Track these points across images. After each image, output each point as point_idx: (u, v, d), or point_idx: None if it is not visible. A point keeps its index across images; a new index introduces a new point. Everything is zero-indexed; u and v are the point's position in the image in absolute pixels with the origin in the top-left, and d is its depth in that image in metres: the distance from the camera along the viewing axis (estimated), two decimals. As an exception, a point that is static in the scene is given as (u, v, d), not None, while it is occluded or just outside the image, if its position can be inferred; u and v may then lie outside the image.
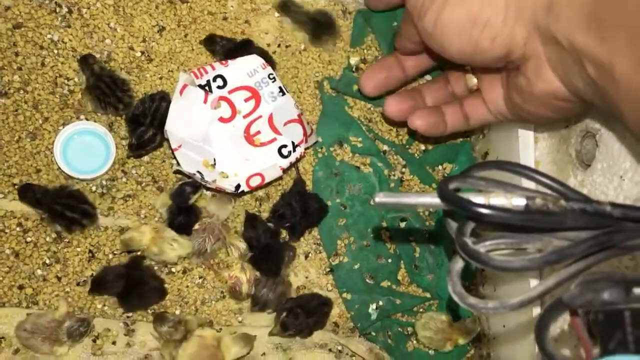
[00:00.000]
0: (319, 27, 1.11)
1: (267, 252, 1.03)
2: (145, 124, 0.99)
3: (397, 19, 1.15)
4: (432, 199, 0.57)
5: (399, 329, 1.10)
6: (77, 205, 0.97)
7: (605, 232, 0.52)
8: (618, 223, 0.52)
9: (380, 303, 1.09)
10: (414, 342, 1.10)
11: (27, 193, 0.97)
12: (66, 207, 0.96)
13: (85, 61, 1.02)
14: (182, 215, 1.00)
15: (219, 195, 1.03)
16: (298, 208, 1.05)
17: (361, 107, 1.15)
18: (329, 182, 1.11)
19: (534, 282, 0.93)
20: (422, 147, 1.16)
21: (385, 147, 1.14)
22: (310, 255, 1.09)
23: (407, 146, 1.15)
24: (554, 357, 0.55)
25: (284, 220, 1.04)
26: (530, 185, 0.63)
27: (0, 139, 1.00)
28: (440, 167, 1.16)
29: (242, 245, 1.02)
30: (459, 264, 0.59)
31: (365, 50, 1.17)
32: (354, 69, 1.16)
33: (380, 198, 0.59)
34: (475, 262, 0.55)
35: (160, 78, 1.07)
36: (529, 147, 0.99)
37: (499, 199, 0.54)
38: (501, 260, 0.54)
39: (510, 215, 0.52)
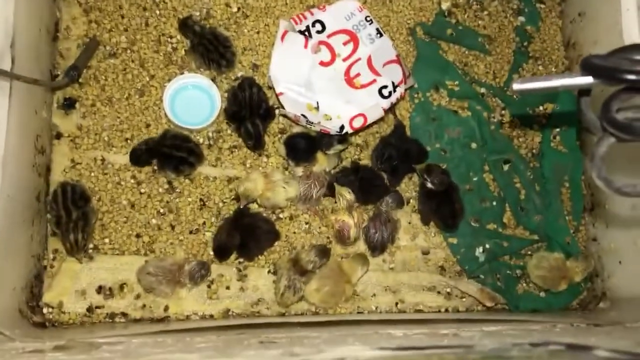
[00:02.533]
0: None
1: (366, 185, 1.04)
2: (246, 118, 1.01)
3: (487, -39, 1.13)
4: (577, 79, 0.55)
5: (508, 271, 1.07)
6: (183, 144, 1.00)
7: None
8: None
9: (487, 246, 1.07)
10: (524, 284, 1.07)
11: (136, 154, 1.00)
12: (173, 147, 0.99)
13: (185, 24, 1.05)
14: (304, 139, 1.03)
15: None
16: (398, 151, 1.05)
17: (455, 51, 1.14)
18: (427, 128, 1.10)
19: None
20: (521, 87, 1.13)
21: (483, 90, 1.13)
22: (411, 201, 1.08)
23: (505, 88, 1.13)
24: None
25: (392, 160, 1.03)
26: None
27: (111, 97, 1.04)
28: (541, 107, 1.13)
29: (350, 196, 1.02)
30: (603, 148, 0.57)
31: (456, -6, 1.16)
32: (446, 14, 1.15)
33: (518, 85, 0.58)
34: (626, 134, 0.53)
35: (258, 32, 1.09)
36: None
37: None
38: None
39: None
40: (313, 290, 0.99)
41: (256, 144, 1.01)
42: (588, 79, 0.55)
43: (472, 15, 1.16)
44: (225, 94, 1.05)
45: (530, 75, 1.14)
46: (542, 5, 1.18)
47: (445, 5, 1.15)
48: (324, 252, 0.98)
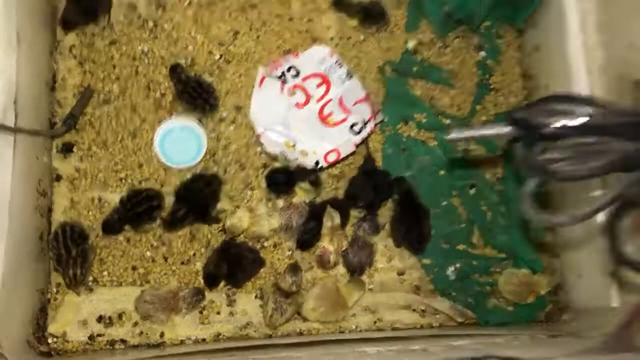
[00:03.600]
0: (369, 19, 1.22)
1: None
2: (184, 205, 1.08)
3: (449, 4, 1.23)
4: (503, 128, 0.65)
5: (478, 288, 1.16)
6: (140, 197, 1.08)
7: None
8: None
9: (458, 265, 1.16)
10: (493, 299, 1.16)
11: (109, 224, 1.08)
12: (135, 205, 1.07)
13: (174, 71, 1.15)
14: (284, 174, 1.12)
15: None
16: (365, 191, 1.14)
17: (422, 86, 1.24)
18: (398, 157, 1.20)
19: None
20: (484, 118, 1.23)
21: (449, 121, 1.22)
22: (387, 226, 1.17)
23: (468, 118, 1.23)
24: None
25: (358, 200, 1.13)
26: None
27: (106, 140, 1.14)
28: (502, 135, 1.23)
29: (337, 219, 1.11)
30: (530, 186, 0.66)
31: (421, 35, 1.26)
32: (412, 52, 1.25)
33: (452, 135, 0.67)
34: (546, 175, 0.63)
35: (240, 76, 1.19)
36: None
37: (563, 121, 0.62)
38: (569, 170, 0.62)
39: (571, 130, 0.60)
40: (310, 309, 1.08)
41: (170, 225, 1.10)
42: (512, 129, 0.64)
43: (436, 52, 1.25)
44: (212, 134, 1.15)
45: (492, 105, 1.24)
46: (502, 40, 1.28)
47: (411, 45, 1.25)
48: (295, 269, 1.08)
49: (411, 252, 1.14)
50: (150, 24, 1.19)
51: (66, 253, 1.03)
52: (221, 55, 1.19)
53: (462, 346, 0.94)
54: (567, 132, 0.61)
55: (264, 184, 1.12)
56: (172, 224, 1.08)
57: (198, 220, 1.10)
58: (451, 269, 1.16)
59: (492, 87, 1.25)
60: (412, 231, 1.11)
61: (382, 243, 1.16)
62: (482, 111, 1.23)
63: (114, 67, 1.17)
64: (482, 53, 1.27)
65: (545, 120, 0.62)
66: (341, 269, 1.14)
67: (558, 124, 0.61)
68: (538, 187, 0.66)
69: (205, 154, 1.13)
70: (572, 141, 0.63)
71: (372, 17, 1.23)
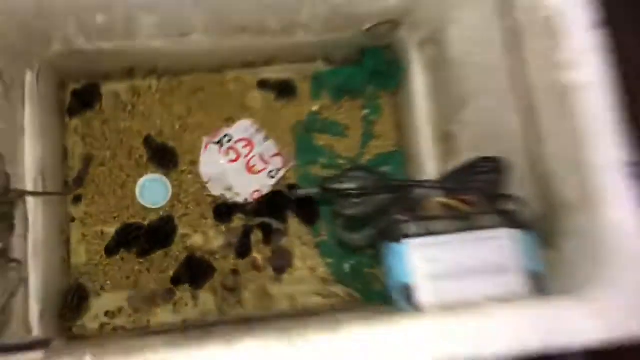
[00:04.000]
0: (283, 92, 1.73)
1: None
2: (148, 241, 1.60)
3: (340, 78, 1.75)
4: (317, 189, 1.17)
5: (366, 278, 1.67)
6: (129, 229, 1.59)
7: (399, 194, 1.11)
8: (402, 189, 1.11)
9: (352, 262, 1.67)
10: (377, 285, 1.67)
11: (109, 248, 1.59)
12: (127, 235, 1.58)
13: (147, 141, 1.67)
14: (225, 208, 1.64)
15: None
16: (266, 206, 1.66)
17: (324, 138, 1.74)
18: (310, 189, 1.71)
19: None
20: (368, 157, 1.74)
21: (343, 162, 1.74)
22: (302, 237, 1.68)
23: (357, 159, 1.74)
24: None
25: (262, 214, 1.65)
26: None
27: (103, 191, 1.65)
28: (382, 169, 1.74)
29: (259, 235, 1.63)
30: (340, 220, 1.18)
31: (322, 100, 1.77)
32: (316, 114, 1.76)
33: (298, 192, 1.19)
34: (343, 214, 1.14)
35: (194, 140, 1.70)
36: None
37: (347, 184, 1.13)
38: (357, 211, 1.13)
39: (352, 189, 1.11)
40: (246, 299, 1.60)
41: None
42: (324, 191, 1.16)
43: (334, 112, 1.75)
44: (175, 182, 1.67)
45: (375, 149, 1.75)
46: (381, 100, 1.78)
47: (315, 108, 1.74)
48: (235, 273, 1.59)
49: (305, 225, 1.66)
50: (130, 107, 1.71)
51: (70, 303, 1.54)
52: (180, 126, 1.71)
53: (341, 318, 1.46)
54: (349, 191, 1.12)
55: (212, 215, 1.64)
56: (141, 253, 1.60)
57: (163, 248, 1.61)
58: (347, 265, 1.67)
59: (375, 135, 1.76)
60: (301, 212, 1.65)
61: (299, 250, 1.68)
62: (367, 154, 1.74)
63: (106, 139, 1.68)
64: (366, 111, 1.77)
65: (338, 184, 1.13)
66: (270, 271, 1.65)
67: (344, 186, 1.12)
68: (345, 219, 1.18)
69: (172, 196, 1.65)
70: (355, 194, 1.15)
71: (286, 91, 1.74)
